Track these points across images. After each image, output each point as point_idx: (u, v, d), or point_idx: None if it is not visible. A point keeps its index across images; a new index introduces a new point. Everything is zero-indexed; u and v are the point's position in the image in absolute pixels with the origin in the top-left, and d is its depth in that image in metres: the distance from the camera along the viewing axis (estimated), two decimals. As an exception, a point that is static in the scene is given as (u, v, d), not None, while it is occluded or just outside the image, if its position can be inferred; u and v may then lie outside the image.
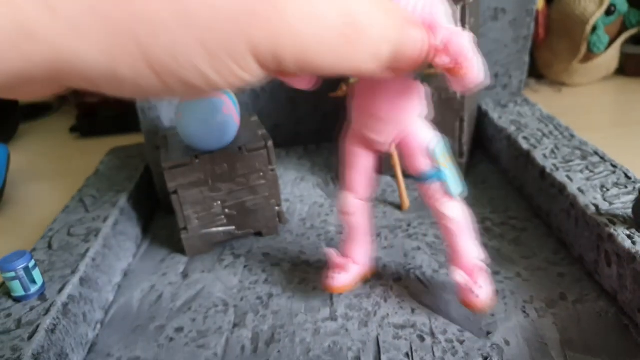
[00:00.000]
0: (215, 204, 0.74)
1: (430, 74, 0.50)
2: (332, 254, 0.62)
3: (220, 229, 0.76)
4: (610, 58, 1.24)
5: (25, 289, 0.56)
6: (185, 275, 0.72)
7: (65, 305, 0.57)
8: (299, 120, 1.06)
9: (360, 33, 0.32)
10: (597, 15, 1.15)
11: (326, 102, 1.08)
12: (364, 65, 0.34)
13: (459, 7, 0.76)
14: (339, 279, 0.61)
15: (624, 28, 1.25)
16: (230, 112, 0.71)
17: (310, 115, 1.07)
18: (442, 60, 0.42)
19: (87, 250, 0.65)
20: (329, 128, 1.10)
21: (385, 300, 0.62)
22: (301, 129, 1.08)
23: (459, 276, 0.56)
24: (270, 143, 0.73)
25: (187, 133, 0.70)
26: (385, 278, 0.66)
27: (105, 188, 0.83)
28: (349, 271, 0.62)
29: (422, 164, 0.53)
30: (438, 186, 0.54)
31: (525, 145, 0.80)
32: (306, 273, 0.69)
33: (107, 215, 0.74)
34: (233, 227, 0.77)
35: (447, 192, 0.54)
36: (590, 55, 1.21)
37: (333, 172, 0.96)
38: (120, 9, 0.23)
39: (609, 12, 1.18)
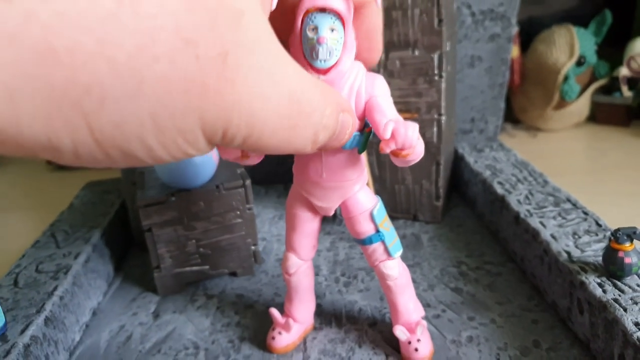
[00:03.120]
0: (189, 242, 0.73)
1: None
2: (275, 313, 0.62)
3: (194, 268, 0.75)
4: (581, 106, 1.28)
5: (-16, 329, 0.54)
6: (156, 315, 0.70)
7: (27, 346, 0.55)
8: (279, 159, 1.07)
9: (304, 117, 0.33)
10: (568, 65, 1.20)
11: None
12: (304, 148, 0.35)
13: (436, 55, 0.78)
14: (280, 340, 0.61)
15: (594, 78, 1.31)
16: (212, 153, 0.71)
17: (290, 154, 1.07)
18: (389, 146, 0.44)
19: (55, 288, 0.64)
20: None
21: (360, 346, 0.61)
22: (282, 168, 1.08)
23: (400, 332, 0.58)
24: (248, 182, 0.73)
25: (165, 171, 0.69)
26: (360, 322, 0.66)
27: (79, 223, 0.81)
28: (290, 331, 0.61)
29: (365, 228, 0.55)
30: (379, 247, 0.56)
31: (500, 190, 0.81)
32: (280, 315, 0.68)
33: (78, 252, 0.72)
34: (207, 267, 0.76)
35: (388, 253, 0.56)
36: (563, 102, 1.25)
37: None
38: (62, 76, 0.21)
39: (579, 63, 1.23)
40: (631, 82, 1.28)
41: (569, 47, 1.20)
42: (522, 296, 0.69)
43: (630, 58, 1.25)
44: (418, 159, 0.46)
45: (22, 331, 0.56)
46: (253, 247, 0.77)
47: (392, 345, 0.61)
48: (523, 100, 1.30)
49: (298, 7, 0.46)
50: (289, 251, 0.59)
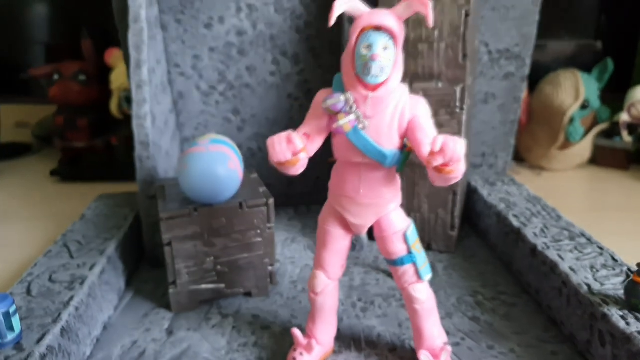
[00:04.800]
0: (208, 259, 0.73)
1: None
2: (298, 333, 0.61)
3: (210, 286, 0.74)
4: (584, 148, 1.32)
5: (1, 336, 0.52)
6: (169, 332, 0.69)
7: (43, 356, 0.53)
8: (291, 181, 1.07)
9: None
10: (573, 108, 1.23)
11: (318, 166, 1.10)
12: None
13: (458, 88, 0.80)
14: None
15: (595, 122, 1.35)
16: (235, 168, 0.71)
17: (302, 177, 1.08)
18: (437, 160, 0.45)
19: (71, 298, 0.62)
20: (320, 191, 1.11)
21: (381, 371, 0.61)
22: (293, 190, 1.09)
23: (425, 357, 0.58)
24: (271, 201, 0.73)
25: (190, 185, 0.69)
26: (380, 347, 0.65)
27: (92, 235, 0.80)
28: (312, 352, 0.60)
29: (397, 248, 0.56)
30: (410, 269, 0.56)
31: (515, 223, 0.82)
32: (298, 337, 0.67)
33: (93, 263, 0.70)
34: (223, 285, 0.75)
35: (418, 276, 0.56)
36: (567, 143, 1.29)
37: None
38: None
39: (583, 107, 1.27)
40: (631, 128, 1.32)
41: (575, 90, 1.24)
42: (539, 327, 0.69)
43: (630, 105, 1.30)
44: (459, 178, 0.47)
45: (38, 341, 0.54)
46: (270, 268, 0.76)
47: (414, 371, 0.60)
48: (528, 139, 1.33)
49: (353, 25, 0.48)
50: (317, 269, 0.59)
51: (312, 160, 1.09)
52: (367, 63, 0.47)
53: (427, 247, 0.90)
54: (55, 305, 0.60)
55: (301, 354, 0.60)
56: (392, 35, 0.47)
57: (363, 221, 0.55)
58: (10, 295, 0.54)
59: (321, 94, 0.53)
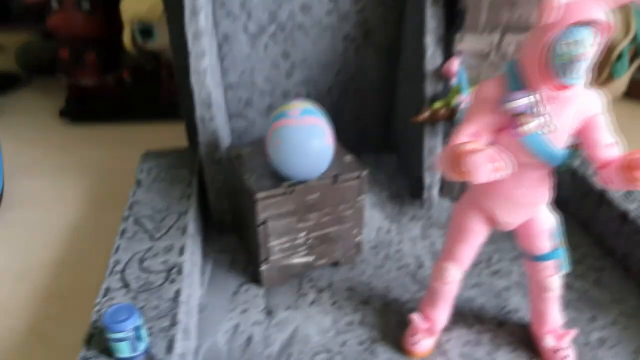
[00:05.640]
0: (300, 234, 0.69)
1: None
2: (418, 319, 0.60)
3: (301, 260, 0.71)
4: (623, 82, 1.29)
5: (133, 349, 0.48)
6: (268, 312, 0.67)
7: (174, 364, 0.50)
8: (339, 130, 1.01)
9: None
10: (624, 43, 1.18)
11: (366, 116, 1.04)
12: None
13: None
14: (423, 345, 0.60)
15: (635, 54, 1.31)
16: (330, 141, 0.65)
17: (350, 124, 1.02)
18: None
19: (178, 293, 0.58)
20: (365, 140, 1.06)
21: (497, 349, 0.61)
22: (340, 138, 1.03)
23: (550, 341, 0.58)
24: (364, 173, 0.68)
25: (285, 162, 0.63)
26: (487, 322, 0.65)
27: (162, 207, 0.73)
28: (433, 335, 0.60)
29: (544, 245, 0.54)
30: (552, 264, 0.55)
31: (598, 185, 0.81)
32: (401, 314, 0.66)
33: (181, 246, 0.65)
34: (312, 258, 0.72)
35: (559, 269, 0.55)
36: (610, 79, 1.25)
37: (386, 190, 0.92)
38: None
39: (632, 42, 1.22)
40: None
41: (626, 24, 1.18)
42: (636, 294, 0.70)
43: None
44: None
45: (168, 349, 0.51)
46: (358, 238, 0.74)
47: (531, 348, 0.61)
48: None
49: (548, 13, 0.41)
50: (449, 261, 0.56)
51: (361, 107, 1.03)
52: (570, 63, 0.41)
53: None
54: (164, 303, 0.56)
55: (422, 338, 0.59)
56: (600, 30, 0.41)
57: (514, 220, 0.52)
58: (132, 305, 0.49)
59: (489, 88, 0.46)
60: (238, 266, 0.75)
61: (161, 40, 1.18)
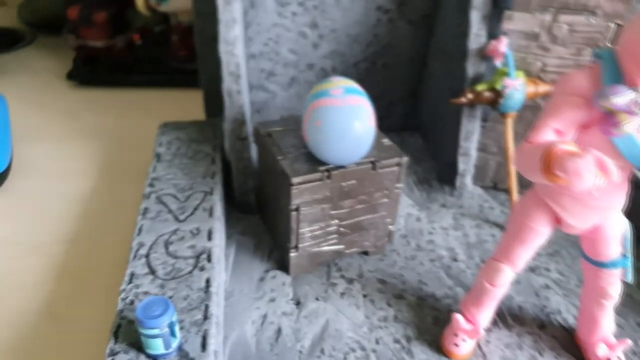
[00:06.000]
0: (332, 222, 0.65)
1: None
2: (461, 320, 0.57)
3: (331, 247, 0.67)
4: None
5: (166, 345, 0.45)
6: (297, 302, 0.63)
7: (207, 361, 0.46)
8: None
9: None
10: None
11: (391, 91, 0.98)
12: None
13: (613, 25, 0.69)
14: (464, 347, 0.57)
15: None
16: (373, 123, 0.60)
17: (374, 101, 0.97)
18: None
19: (209, 282, 0.54)
20: (393, 115, 1.01)
21: (541, 354, 0.58)
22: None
23: (601, 350, 0.55)
24: (404, 159, 0.64)
25: (325, 144, 0.58)
26: (528, 324, 0.62)
27: (186, 186, 0.69)
28: (473, 338, 0.57)
29: (612, 251, 0.51)
30: (618, 272, 0.52)
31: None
32: (436, 310, 0.63)
33: (209, 229, 0.61)
34: (342, 246, 0.68)
35: (624, 277, 0.52)
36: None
37: (412, 174, 0.88)
38: None
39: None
40: None
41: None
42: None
43: None
44: None
45: (203, 346, 0.47)
46: (390, 227, 0.70)
47: (576, 356, 0.58)
48: None
49: None
50: (503, 262, 0.52)
51: (388, 84, 0.97)
52: None
53: (530, 193, 0.85)
54: (194, 293, 0.53)
55: (464, 340, 0.56)
56: None
57: (583, 224, 0.48)
58: (166, 299, 0.45)
59: (580, 80, 0.41)
60: (262, 250, 0.71)
61: (175, 2, 1.11)
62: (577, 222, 0.48)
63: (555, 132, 0.41)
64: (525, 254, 0.51)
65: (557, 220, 0.49)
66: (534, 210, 0.49)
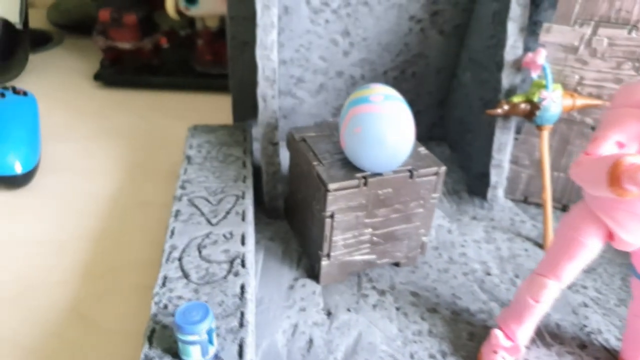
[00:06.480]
0: (366, 230, 0.64)
1: None
2: (500, 336, 0.55)
3: (364, 257, 0.66)
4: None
5: (203, 352, 0.44)
6: (328, 312, 0.62)
7: (242, 369, 0.45)
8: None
9: None
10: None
11: (419, 101, 0.98)
12: None
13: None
14: None
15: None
16: (412, 131, 0.59)
17: (422, 115, 0.95)
18: None
19: (243, 288, 0.53)
20: (439, 126, 1.00)
21: (582, 374, 0.56)
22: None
23: None
24: (442, 169, 0.63)
25: (364, 151, 0.57)
26: (567, 342, 0.60)
27: (217, 189, 0.68)
28: (513, 355, 0.55)
29: None
30: None
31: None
32: (471, 325, 0.62)
33: (242, 234, 0.60)
34: (374, 256, 0.67)
35: None
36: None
37: (442, 186, 0.87)
38: None
39: None
40: None
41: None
42: None
43: None
44: None
45: (240, 355, 0.46)
46: (424, 238, 0.68)
47: (617, 375, 0.56)
48: None
49: None
50: (549, 277, 0.51)
51: (416, 95, 0.96)
52: None
53: (563, 208, 0.83)
54: (230, 299, 0.51)
55: (503, 357, 0.54)
56: None
57: (639, 240, 0.46)
58: (205, 305, 0.44)
59: (635, 90, 0.40)
60: (291, 257, 0.70)
61: (204, 6, 1.11)
62: (632, 238, 0.46)
63: (617, 144, 0.40)
64: (572, 269, 0.50)
65: (609, 236, 0.47)
66: (585, 223, 0.48)
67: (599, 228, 0.47)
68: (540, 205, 0.81)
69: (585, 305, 0.65)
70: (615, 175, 0.36)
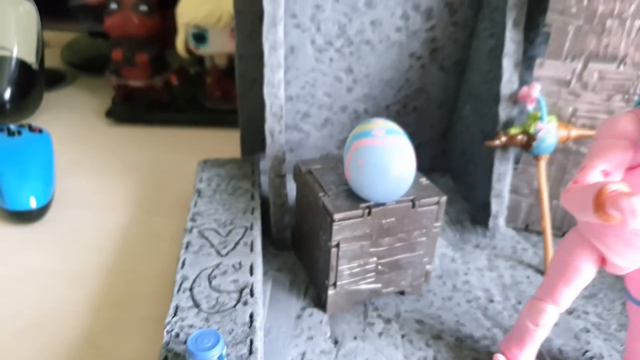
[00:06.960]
0: (371, 259, 0.66)
1: None
2: None
3: (369, 286, 0.68)
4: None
5: (215, 378, 0.45)
6: (335, 341, 0.63)
7: (252, 396, 0.47)
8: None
9: None
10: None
11: (421, 133, 1.01)
12: None
13: (651, 75, 0.71)
14: None
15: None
16: (414, 163, 0.62)
17: (424, 149, 0.99)
18: None
19: (252, 317, 0.55)
20: (440, 160, 1.03)
21: (585, 400, 0.57)
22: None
23: None
24: (443, 199, 0.65)
25: (367, 182, 0.60)
26: (570, 368, 0.61)
27: (226, 221, 0.71)
28: None
29: None
30: None
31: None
32: (475, 352, 0.63)
33: (251, 264, 0.62)
34: (379, 285, 0.68)
35: None
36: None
37: (445, 215, 0.89)
38: None
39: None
40: None
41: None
42: None
43: None
44: None
45: (250, 379, 0.47)
46: (428, 267, 0.70)
47: (622, 402, 0.57)
48: None
49: None
50: (547, 302, 0.52)
51: (418, 127, 0.99)
52: None
53: (563, 235, 0.84)
54: (239, 327, 0.53)
55: (506, 382, 0.56)
56: None
57: (631, 265, 0.48)
58: (216, 332, 0.46)
59: (626, 124, 0.43)
60: (298, 287, 0.71)
61: (213, 46, 1.16)
62: (623, 262, 0.48)
63: (603, 173, 0.43)
64: (569, 293, 0.51)
65: (602, 261, 0.49)
66: (579, 249, 0.50)
67: (592, 253, 0.49)
68: (541, 233, 0.83)
69: (587, 331, 0.66)
70: (599, 201, 0.39)
